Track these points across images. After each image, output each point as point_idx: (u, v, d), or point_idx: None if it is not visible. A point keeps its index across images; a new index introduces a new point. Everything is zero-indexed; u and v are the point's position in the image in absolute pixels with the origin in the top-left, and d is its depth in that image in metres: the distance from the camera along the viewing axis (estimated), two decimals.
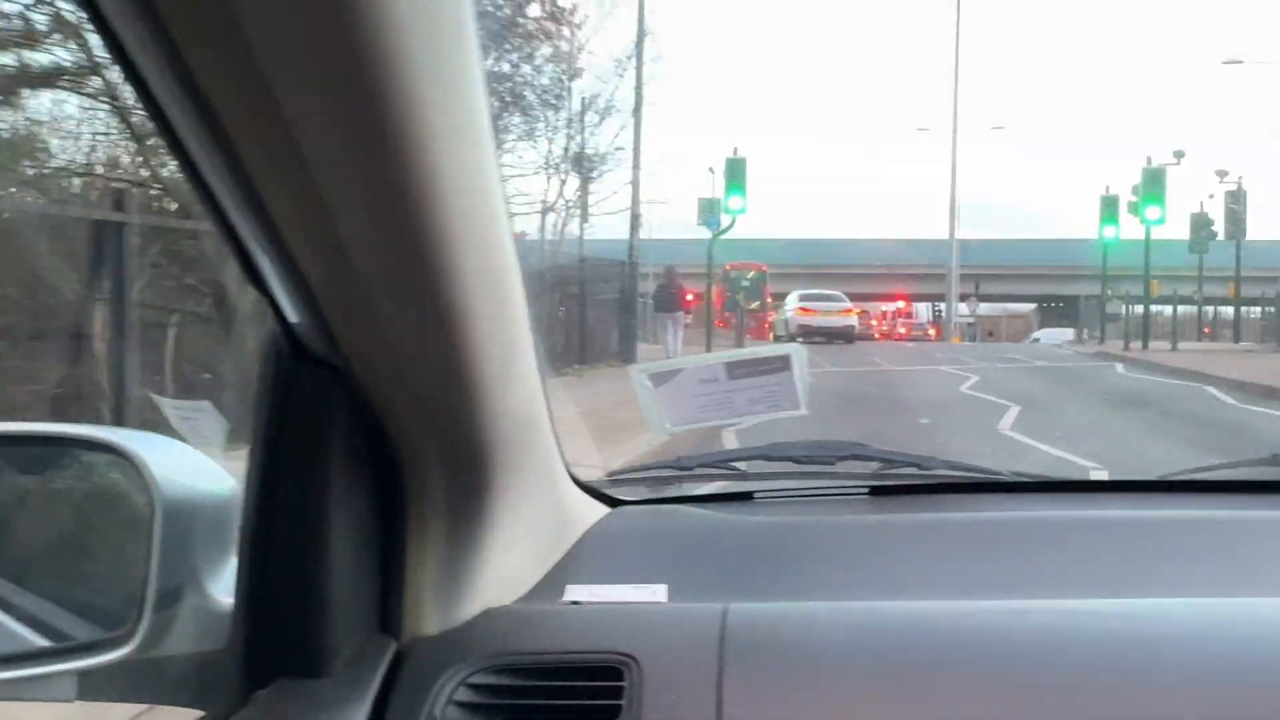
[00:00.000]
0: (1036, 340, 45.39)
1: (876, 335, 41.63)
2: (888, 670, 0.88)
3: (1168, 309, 28.40)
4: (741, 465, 1.51)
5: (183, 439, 1.24)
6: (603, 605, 1.02)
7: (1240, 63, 36.39)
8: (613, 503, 1.33)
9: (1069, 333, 50.14)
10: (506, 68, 18.00)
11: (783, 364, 1.30)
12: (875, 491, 1.41)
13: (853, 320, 27.21)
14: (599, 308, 17.65)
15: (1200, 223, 26.19)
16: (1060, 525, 1.28)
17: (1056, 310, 58.12)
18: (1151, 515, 1.34)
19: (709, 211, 28.97)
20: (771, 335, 28.07)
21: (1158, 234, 23.65)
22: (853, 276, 55.08)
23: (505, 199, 0.83)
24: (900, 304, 57.42)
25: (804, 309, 26.85)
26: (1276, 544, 1.22)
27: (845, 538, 1.27)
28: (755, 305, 33.71)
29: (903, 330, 44.77)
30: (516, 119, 18.86)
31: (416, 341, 0.79)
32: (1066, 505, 1.43)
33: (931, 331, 44.59)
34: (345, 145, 0.64)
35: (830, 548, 1.23)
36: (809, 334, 24.71)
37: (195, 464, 0.95)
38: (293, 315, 0.80)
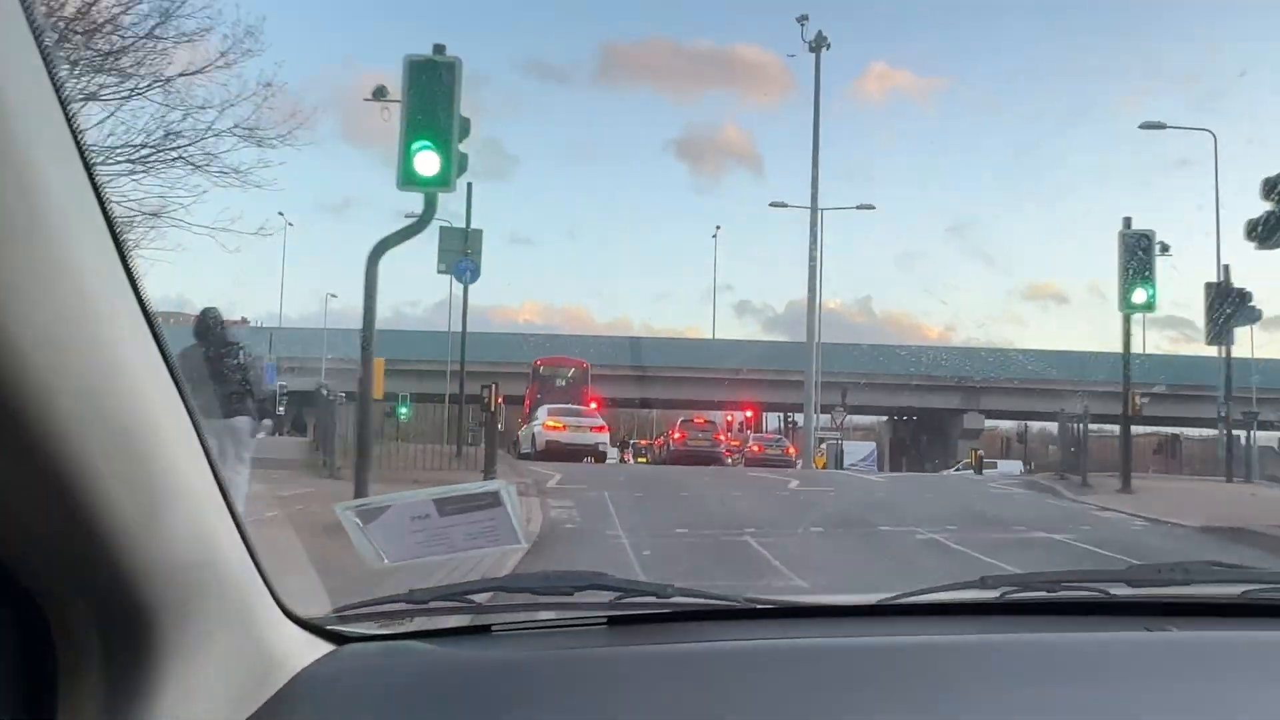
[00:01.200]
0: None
1: (726, 455, 30.76)
2: None
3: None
4: (478, 597, 1.41)
5: None
6: None
7: (1162, 126, 29.29)
8: (339, 640, 1.28)
9: (865, 448, 44.02)
10: None
11: (493, 500, 1.31)
12: (613, 621, 1.41)
13: (604, 438, 25.29)
14: None
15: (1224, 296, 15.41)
16: (785, 653, 1.30)
17: (912, 423, 50.40)
18: (868, 643, 1.36)
19: (454, 249, 17.64)
20: (515, 451, 24.85)
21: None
22: (692, 380, 46.59)
23: (144, 332, 0.79)
24: (748, 413, 47.97)
25: (551, 424, 24.44)
26: (979, 669, 1.25)
27: (579, 673, 1.26)
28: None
29: (755, 448, 33.70)
30: None
31: (28, 497, 0.74)
32: (792, 631, 1.44)
33: (790, 449, 33.85)
34: None
35: (562, 685, 1.22)
36: (555, 452, 22.64)
37: None
38: None
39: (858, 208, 39.99)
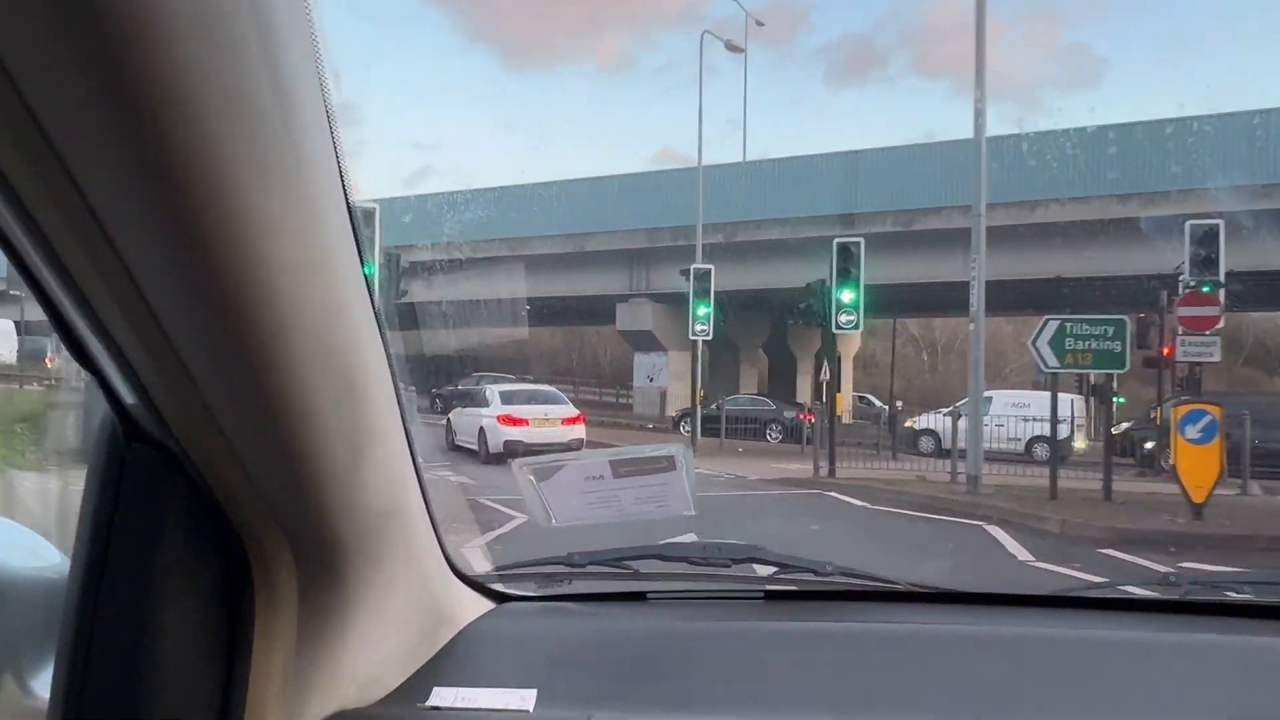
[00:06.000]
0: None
1: None
2: None
3: None
4: (635, 564, 1.46)
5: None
6: (464, 712, 1.04)
7: None
8: (499, 598, 1.36)
9: None
10: None
11: (669, 464, 1.30)
12: (770, 596, 1.43)
13: (579, 432, 17.86)
14: None
15: None
16: (950, 639, 1.28)
17: None
18: (1040, 633, 1.33)
19: None
20: (449, 438, 18.68)
21: None
22: None
23: (359, 276, 0.81)
24: None
25: (509, 417, 17.08)
26: (1156, 666, 1.23)
27: (735, 646, 1.26)
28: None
29: None
30: None
31: (250, 430, 0.78)
32: (958, 618, 1.41)
33: None
34: (156, 237, 0.64)
35: (719, 656, 1.23)
36: (516, 455, 14.33)
37: (23, 542, 0.93)
38: (126, 396, 0.80)
39: None
